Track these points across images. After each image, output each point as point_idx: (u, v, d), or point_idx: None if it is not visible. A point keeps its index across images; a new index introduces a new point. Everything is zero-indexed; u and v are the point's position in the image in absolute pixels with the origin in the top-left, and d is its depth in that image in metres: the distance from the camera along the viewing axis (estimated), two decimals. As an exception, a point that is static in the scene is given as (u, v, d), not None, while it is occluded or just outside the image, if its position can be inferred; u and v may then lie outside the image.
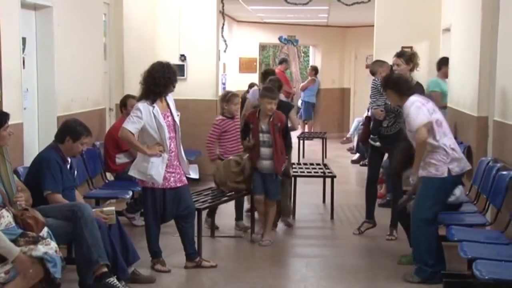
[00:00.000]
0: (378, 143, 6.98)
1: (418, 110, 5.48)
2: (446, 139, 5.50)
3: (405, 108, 5.61)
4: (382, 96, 6.79)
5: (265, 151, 6.65)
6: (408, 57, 6.87)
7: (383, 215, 7.31)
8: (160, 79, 5.65)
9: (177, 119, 5.82)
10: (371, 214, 7.22)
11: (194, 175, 6.37)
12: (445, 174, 5.46)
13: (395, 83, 5.83)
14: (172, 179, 5.73)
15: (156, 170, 5.62)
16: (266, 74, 8.35)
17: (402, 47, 9.84)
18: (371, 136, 7.11)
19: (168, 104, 5.78)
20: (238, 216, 7.43)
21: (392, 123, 6.85)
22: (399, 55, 6.96)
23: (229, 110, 7.16)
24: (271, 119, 6.60)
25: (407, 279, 5.57)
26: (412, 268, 5.63)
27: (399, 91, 5.74)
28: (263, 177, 6.72)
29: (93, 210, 5.13)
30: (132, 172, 5.78)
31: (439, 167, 5.47)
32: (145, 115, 5.58)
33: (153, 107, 5.62)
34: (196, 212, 6.03)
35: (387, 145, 6.89)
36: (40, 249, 4.29)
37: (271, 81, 7.51)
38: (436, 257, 5.52)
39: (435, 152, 5.47)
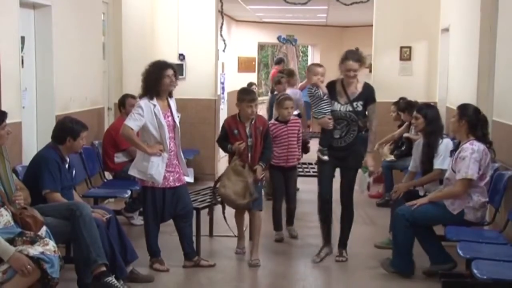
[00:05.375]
0: (326, 157, 5.97)
1: (475, 162, 5.29)
2: (480, 190, 5.42)
3: (466, 148, 5.34)
4: (324, 101, 5.87)
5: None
6: (362, 58, 5.86)
7: (381, 215, 7.31)
8: (148, 77, 5.65)
9: (177, 120, 5.81)
10: (329, 239, 6.22)
11: (190, 178, 6.31)
12: (455, 213, 5.43)
13: (478, 123, 5.41)
14: (171, 178, 5.73)
15: (156, 169, 5.62)
16: (291, 74, 9.70)
17: (401, 47, 9.85)
18: (320, 147, 6.04)
19: (169, 105, 5.77)
20: (289, 221, 7.12)
21: (346, 132, 5.89)
22: (356, 59, 5.79)
23: (281, 114, 6.92)
24: (253, 122, 6.03)
25: (384, 267, 5.68)
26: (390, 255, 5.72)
27: (475, 132, 5.37)
28: None
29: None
30: (132, 172, 5.78)
31: (455, 202, 5.43)
32: (147, 113, 5.58)
33: (154, 105, 5.61)
34: (194, 212, 6.03)
35: (340, 159, 5.97)
36: (37, 249, 4.27)
37: (287, 71, 9.93)
38: (444, 256, 5.55)
39: None
